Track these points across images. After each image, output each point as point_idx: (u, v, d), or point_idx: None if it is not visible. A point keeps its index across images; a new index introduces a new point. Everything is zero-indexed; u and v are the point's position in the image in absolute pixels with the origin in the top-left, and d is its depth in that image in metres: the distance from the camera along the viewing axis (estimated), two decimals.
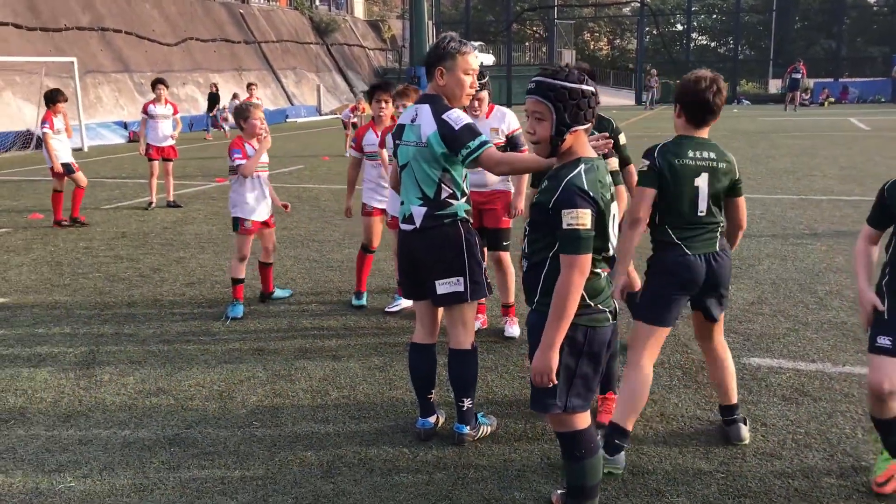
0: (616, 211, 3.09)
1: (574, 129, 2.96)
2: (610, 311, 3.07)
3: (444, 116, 3.76)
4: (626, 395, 3.77)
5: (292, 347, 5.58)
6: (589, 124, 3.01)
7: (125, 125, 26.56)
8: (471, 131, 3.75)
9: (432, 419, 4.16)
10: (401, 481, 3.70)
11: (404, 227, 3.97)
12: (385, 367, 5.16)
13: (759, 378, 4.83)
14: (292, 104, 37.34)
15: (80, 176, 10.72)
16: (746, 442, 4.01)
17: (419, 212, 3.86)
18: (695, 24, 53.04)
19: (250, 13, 38.73)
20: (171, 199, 12.03)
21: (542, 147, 3.05)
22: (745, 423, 4.06)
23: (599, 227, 2.93)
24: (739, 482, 3.62)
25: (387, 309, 6.32)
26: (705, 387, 4.70)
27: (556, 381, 2.98)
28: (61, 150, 10.53)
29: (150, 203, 11.89)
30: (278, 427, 4.31)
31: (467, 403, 4.03)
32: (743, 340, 5.50)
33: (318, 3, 47.69)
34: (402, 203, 3.98)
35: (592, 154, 3.06)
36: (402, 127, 3.96)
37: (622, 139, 5.20)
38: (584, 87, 2.95)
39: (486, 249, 4.64)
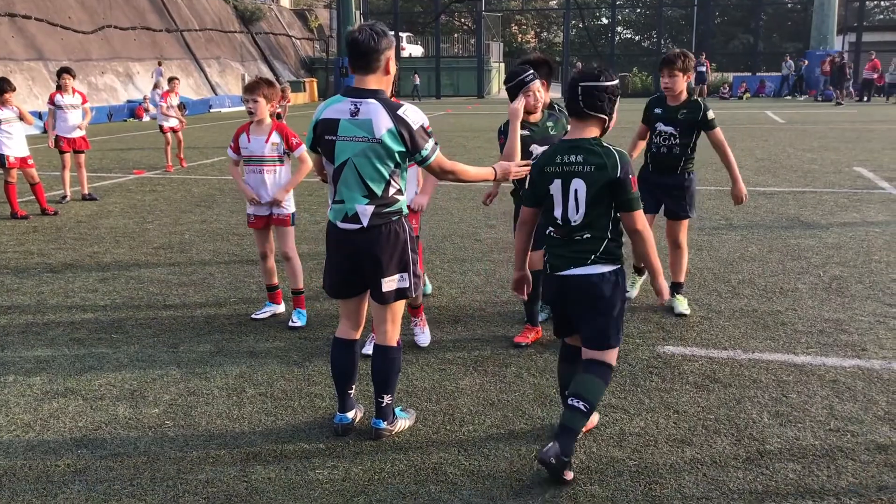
0: None
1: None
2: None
3: (399, 113, 3.65)
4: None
5: (208, 344, 5.46)
6: None
7: (40, 115, 25.55)
8: (427, 132, 3.73)
9: (350, 414, 4.13)
10: (316, 477, 3.66)
11: (345, 226, 3.80)
12: (303, 362, 5.09)
13: (672, 366, 4.94)
14: (216, 94, 36.56)
15: (33, 172, 10.41)
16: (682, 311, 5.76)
17: (366, 210, 3.74)
18: (619, 17, 53.97)
19: (172, 1, 37.72)
20: (86, 192, 11.62)
21: None
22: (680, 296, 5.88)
23: None
24: (651, 469, 3.69)
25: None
26: (622, 376, 4.79)
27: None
28: (11, 143, 10.12)
29: (65, 197, 11.47)
30: (191, 426, 4.21)
31: (387, 399, 4.01)
32: (658, 329, 5.62)
33: None
34: (338, 202, 3.81)
35: None
36: (332, 122, 3.72)
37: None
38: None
39: None
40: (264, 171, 5.77)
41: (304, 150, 5.67)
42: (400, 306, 4.00)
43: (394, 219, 3.81)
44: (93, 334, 5.69)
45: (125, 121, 28.94)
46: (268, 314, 6.02)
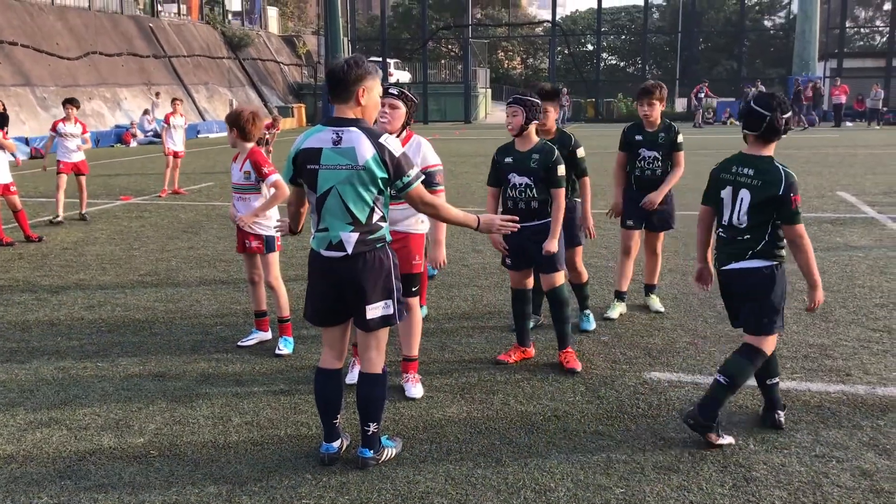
0: None
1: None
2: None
3: (381, 141, 3.73)
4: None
5: (194, 372, 5.44)
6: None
7: (27, 141, 25.52)
8: (409, 161, 3.80)
9: (336, 444, 4.10)
10: None
11: (329, 254, 3.82)
12: (290, 390, 5.07)
13: (659, 392, 4.96)
14: (204, 119, 36.61)
15: (15, 199, 10.50)
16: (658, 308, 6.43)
17: (350, 238, 3.77)
18: (604, 44, 54.56)
19: (160, 27, 37.87)
20: (84, 211, 12.12)
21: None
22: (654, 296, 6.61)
23: None
24: (638, 496, 3.69)
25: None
26: (609, 403, 4.80)
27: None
28: None
29: (57, 216, 11.71)
30: (177, 455, 4.18)
31: (373, 428, 3.99)
32: (644, 355, 5.64)
33: (230, 17, 47.00)
34: (322, 230, 3.84)
35: None
36: (314, 151, 3.77)
37: (580, 153, 5.82)
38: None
39: None
40: (244, 199, 5.88)
41: (276, 178, 5.67)
42: (385, 333, 4.01)
43: (378, 246, 3.84)
44: (78, 363, 5.65)
45: (112, 146, 28.90)
46: (254, 341, 6.00)
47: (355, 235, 3.77)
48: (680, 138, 6.40)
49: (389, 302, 3.89)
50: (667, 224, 6.62)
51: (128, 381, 5.27)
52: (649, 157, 6.35)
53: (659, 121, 6.33)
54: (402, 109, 4.87)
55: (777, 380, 4.44)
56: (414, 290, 4.91)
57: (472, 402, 4.84)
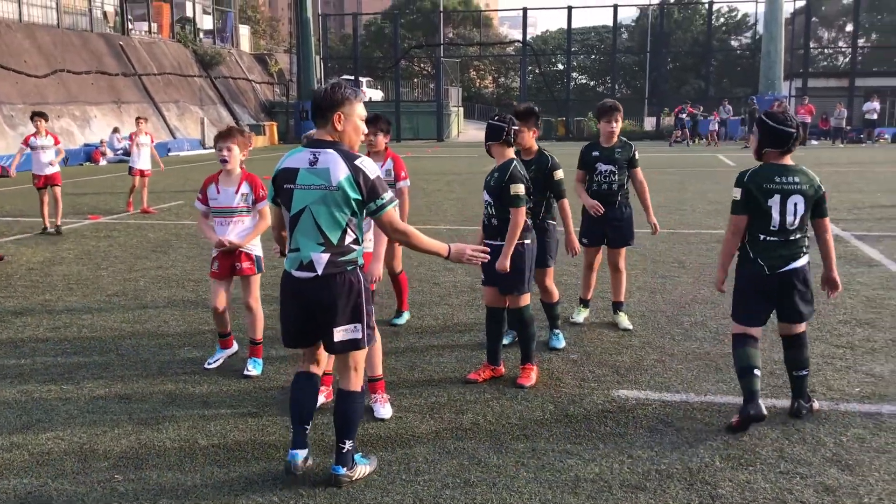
0: None
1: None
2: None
3: (356, 163, 3.79)
4: None
5: (161, 394, 5.38)
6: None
7: None
8: (383, 184, 3.85)
9: (302, 453, 4.06)
10: None
11: (300, 274, 3.85)
12: (259, 413, 5.03)
13: (626, 410, 4.99)
14: (175, 137, 36.35)
15: None
16: (626, 326, 6.64)
17: (321, 258, 3.80)
18: (574, 63, 55.16)
19: (130, 45, 37.63)
20: (59, 223, 12.46)
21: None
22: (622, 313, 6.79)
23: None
24: None
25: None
26: (577, 421, 4.82)
27: None
28: None
29: (45, 228, 12.36)
30: (142, 480, 4.13)
31: (348, 445, 3.99)
32: (612, 373, 5.68)
33: (202, 36, 46.85)
34: (294, 250, 3.88)
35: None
36: (291, 171, 3.84)
37: (558, 175, 5.93)
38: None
39: None
40: (231, 223, 5.70)
41: (265, 205, 5.64)
42: (361, 355, 4.01)
43: (349, 268, 3.86)
44: (42, 385, 5.56)
45: (81, 165, 28.60)
46: (220, 361, 5.93)
47: (326, 256, 3.80)
48: (637, 154, 6.71)
49: (358, 325, 3.90)
50: (624, 240, 6.75)
51: (92, 404, 5.20)
52: (605, 170, 6.60)
53: (616, 138, 6.64)
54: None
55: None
56: None
57: (442, 422, 4.83)
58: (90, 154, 29.41)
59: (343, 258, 3.84)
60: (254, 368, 5.75)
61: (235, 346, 6.03)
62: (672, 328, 6.77)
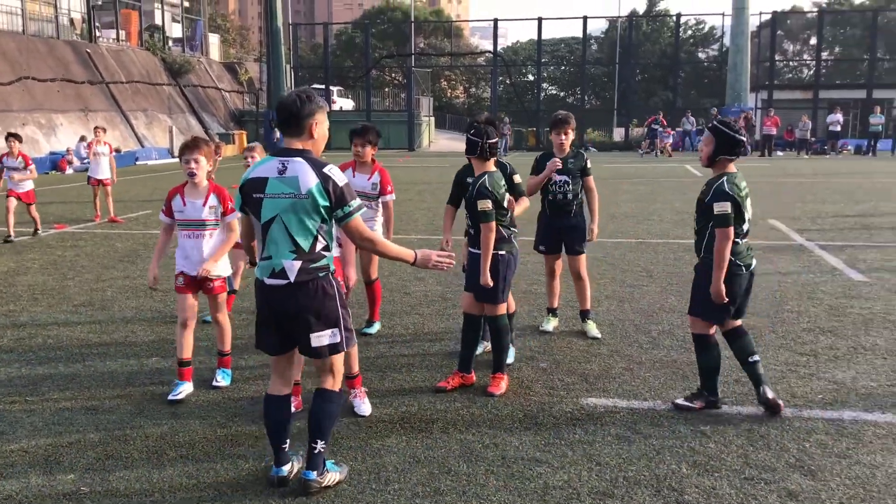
0: None
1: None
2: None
3: (325, 171, 3.82)
4: None
5: (129, 405, 5.33)
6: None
7: None
8: (351, 192, 3.89)
9: (287, 468, 4.11)
10: None
11: (272, 281, 3.88)
12: (227, 423, 5.01)
13: (595, 418, 5.04)
14: (143, 146, 36.02)
15: None
16: (595, 334, 6.74)
17: (293, 265, 3.83)
18: (545, 74, 55.52)
19: (98, 52, 37.26)
20: (39, 229, 13.07)
21: None
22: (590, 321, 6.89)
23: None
24: None
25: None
26: (546, 429, 4.86)
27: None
28: None
29: (9, 237, 12.37)
30: (109, 492, 4.09)
31: (320, 446, 4.01)
32: (581, 381, 5.73)
33: (171, 44, 46.51)
34: (266, 259, 3.90)
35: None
36: (260, 180, 3.85)
37: (517, 178, 6.12)
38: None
39: None
40: (203, 236, 5.51)
41: (234, 217, 5.54)
42: (339, 359, 4.05)
43: (321, 275, 3.89)
44: (6, 397, 5.48)
45: (47, 173, 28.21)
46: (183, 394, 5.44)
47: (298, 263, 3.83)
48: (589, 164, 6.85)
49: (336, 330, 3.94)
50: (580, 246, 6.87)
51: (58, 416, 5.14)
52: (560, 181, 6.74)
53: (568, 148, 6.78)
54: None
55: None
56: None
57: (412, 431, 4.84)
58: (56, 162, 29.04)
59: (314, 265, 3.87)
60: (223, 379, 5.71)
61: (192, 385, 5.58)
62: (640, 336, 6.84)
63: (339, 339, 3.95)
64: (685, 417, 5.03)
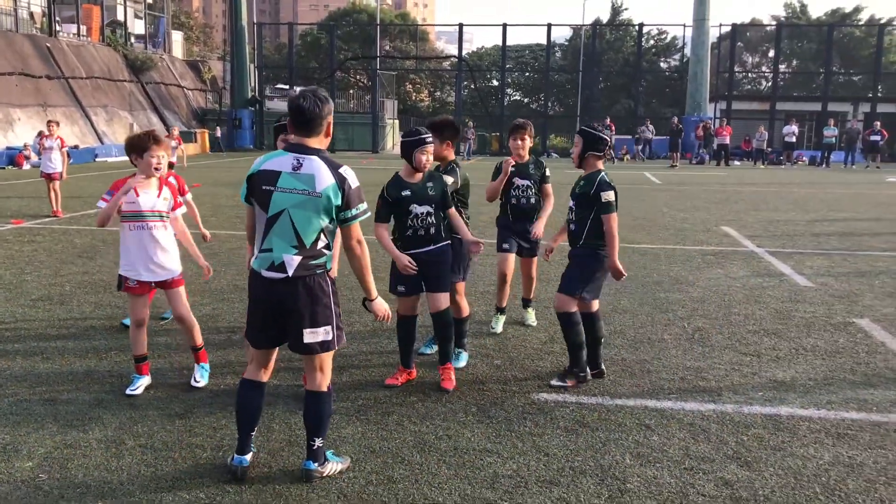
0: None
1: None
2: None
3: (341, 171, 3.90)
4: None
5: (87, 396, 5.39)
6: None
7: None
8: (360, 195, 3.98)
9: (248, 457, 4.19)
10: None
11: (270, 274, 3.93)
12: (186, 414, 5.10)
13: (545, 412, 5.22)
14: (102, 143, 35.61)
15: None
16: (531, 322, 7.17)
17: (293, 260, 3.89)
18: (509, 80, 55.95)
19: (58, 47, 36.75)
20: None
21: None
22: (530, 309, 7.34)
23: None
24: None
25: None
26: (498, 422, 5.02)
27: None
28: None
29: None
30: (67, 479, 4.16)
31: (318, 443, 4.13)
32: (534, 377, 5.91)
33: (133, 40, 46.01)
34: (265, 251, 3.94)
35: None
36: (273, 173, 3.90)
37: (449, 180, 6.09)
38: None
39: None
40: (154, 229, 5.48)
41: (181, 212, 5.68)
42: (328, 356, 4.11)
43: (318, 272, 3.97)
44: None
45: (3, 168, 27.78)
46: (141, 388, 5.49)
47: (297, 259, 3.90)
48: (548, 171, 7.08)
49: (329, 328, 4.00)
50: (537, 249, 7.17)
51: (17, 406, 5.18)
52: (523, 185, 6.95)
53: (528, 155, 7.01)
54: None
55: None
56: None
57: (368, 423, 4.98)
58: (13, 158, 28.61)
59: (314, 262, 3.94)
60: (201, 378, 5.63)
61: (150, 378, 5.62)
62: None
63: (331, 337, 4.02)
64: (631, 412, 5.23)
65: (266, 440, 4.68)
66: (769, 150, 37.93)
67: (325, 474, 4.17)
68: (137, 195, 5.45)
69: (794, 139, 37.25)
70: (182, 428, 4.86)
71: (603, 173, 5.69)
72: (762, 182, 26.02)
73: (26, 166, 27.95)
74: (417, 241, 5.58)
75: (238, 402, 4.19)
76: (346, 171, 3.94)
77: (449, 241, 5.68)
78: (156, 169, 5.48)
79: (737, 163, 37.32)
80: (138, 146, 5.46)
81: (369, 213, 4.10)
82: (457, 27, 45.72)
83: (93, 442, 4.63)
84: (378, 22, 53.58)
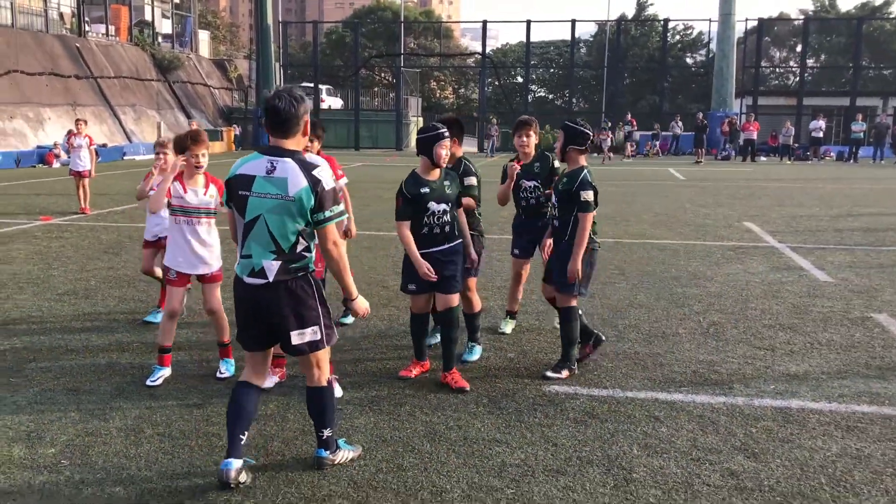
0: None
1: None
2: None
3: (314, 173, 3.83)
4: None
5: (109, 387, 5.54)
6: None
7: None
8: (335, 196, 3.92)
9: (237, 463, 4.02)
10: None
11: (251, 280, 3.94)
12: (203, 404, 5.22)
13: (556, 403, 5.28)
14: (130, 141, 36.11)
15: None
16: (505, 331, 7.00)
17: (272, 266, 3.88)
18: (533, 76, 55.81)
19: (87, 47, 37.31)
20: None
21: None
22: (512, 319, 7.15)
23: None
24: (526, 497, 3.99)
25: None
26: (508, 413, 5.09)
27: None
28: None
29: None
30: (88, 465, 4.30)
31: (327, 433, 4.22)
32: (546, 370, 5.96)
33: (160, 40, 46.56)
34: (246, 257, 3.97)
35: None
36: (247, 178, 3.89)
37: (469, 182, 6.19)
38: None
39: None
40: (199, 224, 5.69)
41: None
42: (323, 353, 4.12)
43: (300, 275, 3.96)
44: None
45: (34, 167, 28.29)
46: (161, 379, 5.64)
47: (277, 264, 3.89)
48: (556, 163, 6.67)
49: (316, 328, 4.01)
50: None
51: (41, 395, 5.34)
52: (529, 186, 6.72)
53: (533, 152, 6.74)
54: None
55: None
56: None
57: (380, 414, 5.07)
58: (43, 156, 29.12)
59: (294, 265, 3.93)
60: (227, 370, 5.76)
61: (170, 370, 5.77)
62: (606, 329, 7.08)
63: (319, 337, 4.02)
64: (641, 404, 5.28)
65: (281, 429, 4.79)
66: (796, 145, 37.54)
67: (336, 462, 4.27)
68: (185, 191, 5.66)
69: (821, 134, 36.85)
70: (199, 417, 4.99)
71: (585, 171, 5.77)
72: (788, 178, 25.79)
73: (56, 164, 28.44)
74: (433, 240, 5.54)
75: (229, 404, 4.16)
76: (320, 172, 3.85)
77: (461, 240, 5.70)
78: (196, 167, 5.68)
79: (763, 158, 37.00)
80: (179, 145, 5.74)
81: (345, 216, 4.09)
82: (481, 24, 45.70)
83: (113, 430, 4.77)
84: (402, 19, 53.70)
